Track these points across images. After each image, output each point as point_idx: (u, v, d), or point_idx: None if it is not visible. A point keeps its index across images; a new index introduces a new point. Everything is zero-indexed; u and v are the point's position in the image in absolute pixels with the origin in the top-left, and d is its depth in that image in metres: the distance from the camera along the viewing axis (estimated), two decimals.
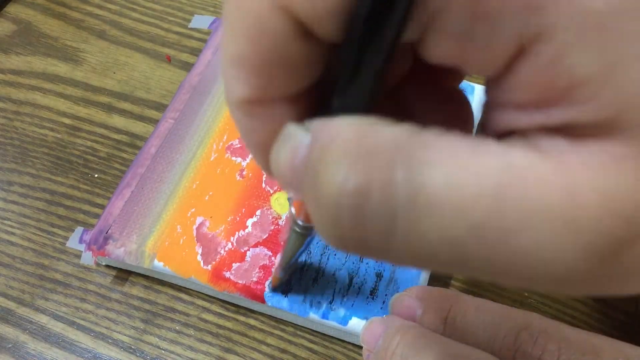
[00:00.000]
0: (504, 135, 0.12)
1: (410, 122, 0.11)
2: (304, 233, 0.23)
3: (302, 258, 0.29)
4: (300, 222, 0.22)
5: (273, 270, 0.29)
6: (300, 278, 0.28)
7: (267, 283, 0.28)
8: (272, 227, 0.30)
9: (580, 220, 0.10)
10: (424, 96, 0.15)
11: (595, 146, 0.10)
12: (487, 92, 0.12)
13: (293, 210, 0.22)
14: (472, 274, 0.11)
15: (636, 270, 0.11)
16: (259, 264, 0.29)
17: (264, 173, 0.32)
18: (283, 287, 0.28)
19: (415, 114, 0.15)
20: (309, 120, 0.12)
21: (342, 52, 0.12)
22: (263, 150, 0.13)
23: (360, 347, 0.26)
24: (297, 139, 0.12)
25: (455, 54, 0.11)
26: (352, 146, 0.11)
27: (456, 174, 0.10)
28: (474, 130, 0.16)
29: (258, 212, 0.31)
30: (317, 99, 0.13)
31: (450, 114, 0.15)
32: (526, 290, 0.11)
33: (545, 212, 0.10)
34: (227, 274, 0.29)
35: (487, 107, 0.12)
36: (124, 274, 0.31)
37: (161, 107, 0.37)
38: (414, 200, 0.11)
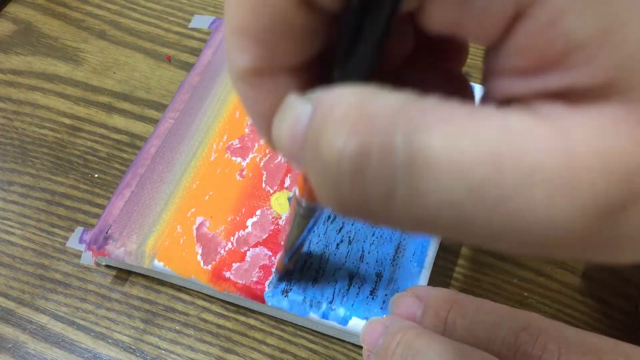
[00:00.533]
0: (503, 103, 0.12)
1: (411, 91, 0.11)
2: (308, 214, 0.23)
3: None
4: (304, 203, 0.22)
5: (278, 256, 0.29)
6: (300, 278, 0.28)
7: (267, 283, 0.28)
8: (272, 227, 0.30)
9: (577, 181, 0.10)
10: (426, 79, 0.16)
11: (593, 110, 0.11)
12: (486, 60, 0.12)
13: (297, 191, 0.22)
14: (471, 239, 0.11)
15: (632, 234, 0.11)
16: (259, 264, 0.29)
17: (263, 173, 0.32)
18: (287, 273, 0.28)
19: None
20: (311, 90, 0.12)
21: (342, 22, 0.12)
22: (265, 122, 0.14)
23: (360, 347, 0.26)
24: (299, 108, 0.12)
25: (453, 21, 0.11)
26: (352, 112, 0.11)
27: (455, 137, 0.11)
28: None
29: (258, 212, 0.31)
30: (320, 71, 0.13)
31: (452, 96, 0.16)
32: (524, 256, 0.12)
33: (543, 173, 0.10)
34: (227, 274, 0.29)
35: (486, 76, 0.13)
36: (124, 274, 0.31)
37: (161, 107, 0.37)
38: (413, 163, 0.11)
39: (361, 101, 0.11)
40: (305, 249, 0.29)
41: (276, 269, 0.28)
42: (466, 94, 0.16)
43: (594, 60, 0.10)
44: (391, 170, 0.11)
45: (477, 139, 0.11)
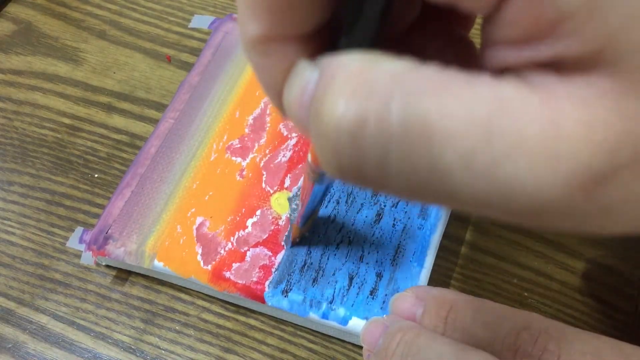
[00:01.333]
0: (498, 73, 0.12)
1: (412, 57, 0.12)
2: (321, 180, 0.24)
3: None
4: (316, 169, 0.23)
5: (292, 224, 0.29)
6: (300, 278, 0.28)
7: (267, 283, 0.28)
8: (272, 227, 0.30)
9: (563, 150, 0.11)
10: (433, 44, 0.16)
11: (582, 80, 0.11)
12: (483, 31, 0.13)
13: (310, 157, 0.23)
14: (461, 206, 0.12)
15: (615, 205, 0.11)
16: (259, 264, 0.29)
17: (263, 173, 0.32)
18: (302, 242, 0.29)
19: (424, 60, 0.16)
20: (319, 57, 0.13)
21: None
22: (277, 90, 0.14)
23: (360, 347, 0.26)
24: (307, 74, 0.13)
25: None
26: (353, 79, 0.12)
27: (449, 104, 0.11)
28: None
29: (258, 212, 0.31)
30: (329, 38, 0.14)
31: (458, 60, 0.16)
32: (514, 226, 0.12)
33: (531, 141, 0.11)
34: (227, 274, 0.29)
35: (483, 46, 0.13)
36: (124, 274, 0.31)
37: (161, 107, 0.37)
38: (407, 129, 0.11)
39: (362, 68, 0.12)
40: (307, 243, 0.29)
41: (291, 236, 0.29)
42: (472, 59, 0.16)
43: (582, 29, 0.10)
44: (387, 136, 0.11)
45: (470, 107, 0.11)
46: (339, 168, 0.12)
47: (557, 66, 0.11)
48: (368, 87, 0.11)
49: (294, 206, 0.31)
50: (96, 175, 0.35)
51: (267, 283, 0.28)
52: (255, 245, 0.30)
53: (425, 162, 0.11)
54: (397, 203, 0.30)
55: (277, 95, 0.14)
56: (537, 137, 0.11)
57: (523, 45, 0.12)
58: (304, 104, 0.13)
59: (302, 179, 0.31)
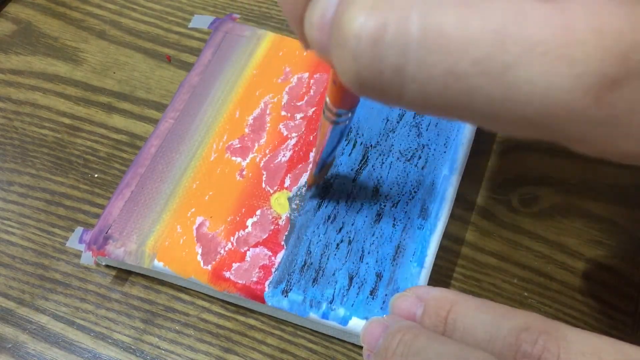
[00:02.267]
0: None
1: None
2: (338, 121, 0.25)
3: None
4: (333, 109, 0.24)
5: (308, 170, 0.31)
6: (300, 278, 0.28)
7: (267, 283, 0.28)
8: (272, 227, 0.30)
9: (575, 55, 0.11)
10: None
11: None
12: None
13: (327, 99, 0.24)
14: (475, 116, 0.13)
15: (624, 115, 0.12)
16: (259, 264, 0.29)
17: (263, 173, 0.32)
18: (318, 188, 0.31)
19: None
20: None
21: None
22: (299, 17, 0.15)
23: (361, 347, 0.26)
24: None
25: None
26: None
27: (465, 13, 0.12)
28: None
29: (258, 212, 0.31)
30: None
31: None
32: (523, 137, 0.13)
33: (543, 46, 0.11)
34: (227, 274, 0.29)
35: None
36: (124, 274, 0.31)
37: (161, 107, 0.37)
38: (425, 37, 0.12)
39: None
40: (307, 243, 0.29)
41: (307, 181, 0.30)
42: None
43: None
44: (405, 43, 0.12)
45: (486, 16, 0.12)
46: (358, 76, 0.13)
47: None
48: (388, 1, 0.12)
49: (293, 206, 0.31)
50: (96, 175, 0.35)
51: (267, 283, 0.28)
52: (255, 245, 0.30)
53: (441, 69, 0.12)
54: (397, 203, 0.30)
55: (299, 22, 0.15)
56: (550, 41, 0.11)
57: None
58: (324, 25, 0.14)
59: (302, 177, 0.31)
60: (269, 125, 0.34)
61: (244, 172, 0.32)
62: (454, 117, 0.14)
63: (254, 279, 0.28)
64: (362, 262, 0.29)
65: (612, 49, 0.11)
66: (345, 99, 0.23)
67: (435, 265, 0.29)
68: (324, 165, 0.29)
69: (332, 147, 0.27)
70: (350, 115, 0.25)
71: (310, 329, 0.29)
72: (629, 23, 0.11)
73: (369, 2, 0.12)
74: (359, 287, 0.28)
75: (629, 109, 0.12)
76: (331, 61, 0.14)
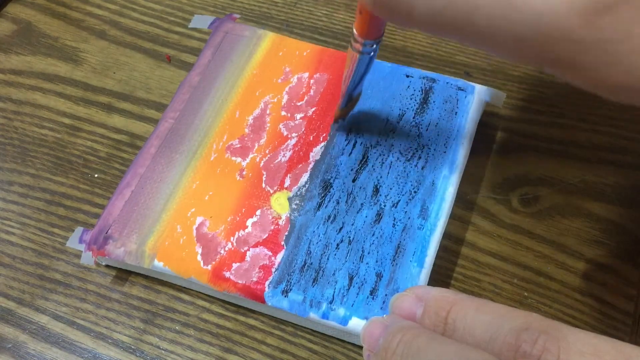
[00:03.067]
0: None
1: None
2: (364, 51, 0.27)
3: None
4: (360, 39, 0.27)
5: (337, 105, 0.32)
6: (300, 278, 0.28)
7: (267, 283, 0.28)
8: (272, 227, 0.30)
9: None
10: None
11: None
12: None
13: (354, 31, 0.27)
14: (477, 36, 0.14)
15: (615, 42, 0.12)
16: (259, 264, 0.29)
17: (263, 173, 0.32)
18: (343, 121, 0.33)
19: None
20: None
21: None
22: None
23: (361, 347, 0.26)
24: None
25: None
26: None
27: None
28: None
29: (258, 212, 0.31)
30: None
31: None
32: (523, 63, 0.15)
33: None
34: (227, 274, 0.29)
35: None
36: (124, 274, 0.31)
37: (161, 107, 0.37)
38: None
39: None
40: (307, 243, 0.29)
41: (335, 114, 0.32)
42: None
43: None
44: None
45: None
46: None
47: None
48: None
49: (293, 206, 0.31)
50: (96, 175, 0.35)
51: (267, 283, 0.28)
52: (255, 245, 0.30)
53: None
54: (397, 203, 0.30)
55: None
56: None
57: None
58: None
59: (302, 177, 0.31)
60: (269, 125, 0.34)
61: (244, 172, 0.32)
62: (458, 37, 0.14)
63: (254, 279, 0.28)
64: (362, 262, 0.29)
65: None
66: (371, 29, 0.26)
67: (435, 265, 0.29)
68: (350, 99, 0.31)
69: (359, 78, 0.29)
70: (375, 46, 0.27)
71: (310, 329, 0.29)
72: None
73: None
74: (359, 287, 0.28)
75: (619, 34, 0.12)
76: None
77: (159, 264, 0.29)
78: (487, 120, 0.35)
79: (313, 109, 0.34)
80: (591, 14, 0.12)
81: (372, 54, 0.28)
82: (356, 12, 0.26)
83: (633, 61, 0.12)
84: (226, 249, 0.29)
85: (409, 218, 0.30)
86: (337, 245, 0.29)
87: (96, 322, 0.30)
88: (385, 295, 0.28)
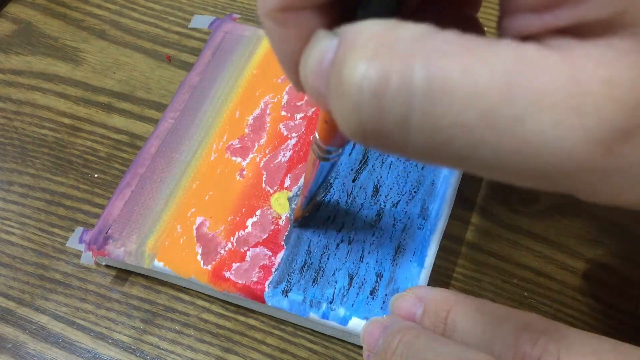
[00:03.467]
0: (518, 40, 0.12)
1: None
2: (326, 157, 0.24)
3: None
4: (323, 146, 0.23)
5: (297, 202, 0.29)
6: (300, 278, 0.28)
7: (267, 283, 0.28)
8: (272, 227, 0.30)
9: (584, 107, 0.11)
10: (441, 22, 0.17)
11: (602, 42, 0.11)
12: (501, 1, 0.13)
13: (316, 135, 0.23)
14: (483, 168, 0.12)
15: (635, 165, 0.11)
16: (259, 264, 0.29)
17: (263, 173, 0.32)
18: (304, 221, 0.30)
19: None
20: (337, 28, 0.13)
21: None
22: (293, 62, 0.14)
23: (361, 347, 0.26)
24: (325, 42, 0.13)
25: None
26: (374, 40, 0.12)
27: (471, 63, 0.11)
28: None
29: (258, 212, 0.31)
30: (345, 12, 0.14)
31: None
32: (532, 187, 0.13)
33: (551, 97, 0.11)
34: (227, 274, 0.29)
35: (502, 16, 0.13)
36: (124, 274, 0.31)
37: (161, 107, 0.37)
38: (429, 88, 0.11)
39: (384, 31, 0.12)
40: (307, 243, 0.29)
41: (293, 214, 0.30)
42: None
43: None
44: (409, 93, 0.11)
45: (492, 66, 0.11)
46: (360, 128, 0.12)
47: (577, 31, 0.11)
48: (390, 48, 0.12)
49: (293, 206, 0.31)
50: (96, 175, 0.35)
51: (267, 283, 0.28)
52: (255, 245, 0.30)
53: (446, 120, 0.11)
54: (397, 203, 0.30)
55: (293, 67, 0.14)
56: (559, 92, 0.11)
57: (544, 11, 0.12)
58: (322, 72, 0.13)
59: (302, 177, 0.31)
60: (269, 125, 0.34)
61: (244, 172, 0.32)
62: (460, 168, 0.13)
63: (254, 279, 0.28)
64: (362, 262, 0.29)
65: (624, 99, 0.11)
66: (337, 138, 0.22)
67: (435, 265, 0.29)
68: (311, 199, 0.28)
69: (321, 182, 0.26)
70: (340, 151, 0.24)
71: (310, 329, 0.29)
72: (637, 72, 0.11)
73: (370, 50, 0.12)
74: (359, 287, 0.28)
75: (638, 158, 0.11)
76: (328, 108, 0.13)
77: (159, 264, 0.29)
78: None
79: (313, 109, 0.34)
80: (610, 143, 0.11)
81: (337, 159, 0.24)
82: (319, 119, 0.22)
83: None
84: (226, 249, 0.29)
85: (409, 218, 0.30)
86: (337, 245, 0.29)
87: (96, 322, 0.30)
88: (385, 295, 0.28)
